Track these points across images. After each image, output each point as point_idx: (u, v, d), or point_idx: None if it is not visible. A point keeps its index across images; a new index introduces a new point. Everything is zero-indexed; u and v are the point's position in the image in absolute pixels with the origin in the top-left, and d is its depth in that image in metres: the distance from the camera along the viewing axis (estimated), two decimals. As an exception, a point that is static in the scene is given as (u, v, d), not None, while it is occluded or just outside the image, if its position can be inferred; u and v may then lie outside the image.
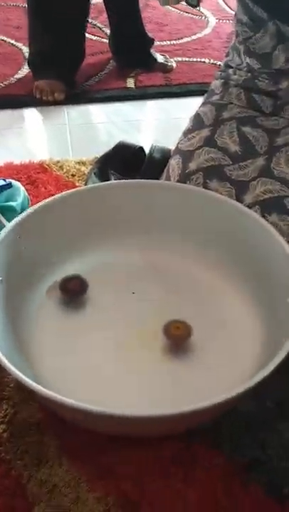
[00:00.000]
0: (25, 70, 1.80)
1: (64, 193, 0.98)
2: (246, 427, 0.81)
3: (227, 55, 1.13)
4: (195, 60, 1.87)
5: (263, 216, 0.92)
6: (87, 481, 0.76)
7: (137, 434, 0.79)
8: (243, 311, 0.92)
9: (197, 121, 1.08)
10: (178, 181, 1.01)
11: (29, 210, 0.93)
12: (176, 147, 1.07)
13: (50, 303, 0.92)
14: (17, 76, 1.78)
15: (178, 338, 0.87)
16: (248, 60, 1.02)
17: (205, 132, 1.04)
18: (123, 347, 0.87)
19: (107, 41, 1.89)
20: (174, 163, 1.04)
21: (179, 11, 2.20)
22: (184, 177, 1.00)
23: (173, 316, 0.90)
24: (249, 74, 1.05)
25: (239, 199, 0.95)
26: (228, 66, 1.11)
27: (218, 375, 0.83)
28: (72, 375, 0.83)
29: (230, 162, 0.99)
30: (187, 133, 1.07)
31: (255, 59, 1.00)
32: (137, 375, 0.84)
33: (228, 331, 0.90)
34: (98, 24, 2.06)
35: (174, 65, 1.82)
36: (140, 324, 0.90)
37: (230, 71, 1.09)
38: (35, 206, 0.93)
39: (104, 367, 0.84)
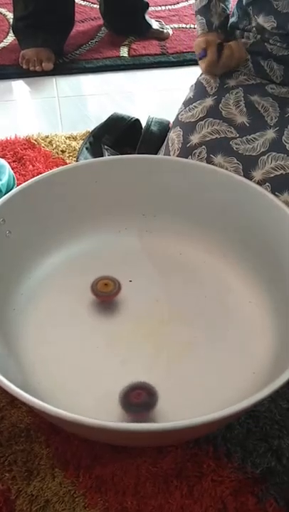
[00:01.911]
0: (10, 38, 1.68)
1: (53, 170, 0.89)
2: (259, 432, 0.73)
3: (232, 16, 1.02)
4: (193, 26, 1.76)
5: (274, 195, 0.83)
6: (84, 495, 0.68)
7: (137, 444, 0.71)
8: (250, 300, 0.84)
9: (199, 90, 0.98)
10: (178, 156, 0.92)
11: (15, 190, 0.85)
12: (176, 118, 0.98)
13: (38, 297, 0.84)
14: (1, 45, 1.66)
15: (106, 295, 0.82)
16: (260, 19, 0.91)
17: (208, 102, 0.95)
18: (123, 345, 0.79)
19: (97, 7, 1.77)
20: (174, 136, 0.94)
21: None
22: (186, 151, 0.91)
23: (175, 308, 0.82)
24: (259, 36, 0.94)
25: (247, 176, 0.87)
26: (234, 28, 1.00)
27: (227, 372, 0.75)
28: (61, 366, 0.76)
29: (237, 135, 0.90)
30: (188, 103, 0.98)
31: (273, 16, 0.90)
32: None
33: (233, 323, 0.82)
34: (88, -12, 1.93)
35: (170, 32, 1.72)
36: (142, 319, 0.82)
37: (237, 33, 0.99)
38: (22, 186, 0.86)
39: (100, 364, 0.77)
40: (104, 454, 0.71)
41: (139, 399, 0.72)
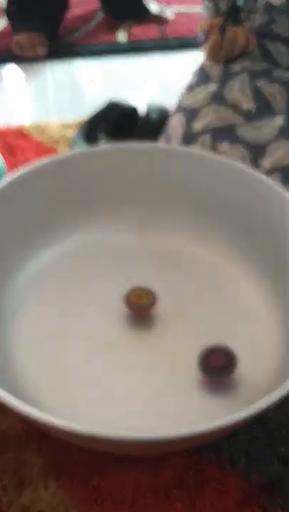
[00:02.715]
0: (3, 23, 1.64)
1: (45, 159, 0.86)
2: (265, 437, 0.70)
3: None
4: (194, 9, 1.71)
5: (285, 185, 0.81)
6: (78, 507, 0.66)
7: (136, 453, 0.68)
8: (253, 295, 0.81)
9: (202, 75, 0.97)
10: (181, 143, 0.90)
11: (4, 182, 0.81)
12: (178, 104, 0.96)
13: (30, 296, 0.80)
14: (-6, 29, 1.62)
15: (140, 308, 0.78)
16: None
17: (212, 87, 0.93)
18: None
19: (94, -11, 1.72)
20: (176, 123, 0.92)
21: None
22: (189, 138, 0.89)
23: (175, 304, 0.79)
24: (266, 17, 0.91)
25: (255, 164, 0.85)
26: (239, 10, 0.96)
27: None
28: (55, 371, 0.73)
29: (243, 121, 0.89)
30: (191, 88, 0.96)
31: None
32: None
33: (235, 319, 0.79)
34: None
35: (170, 15, 1.69)
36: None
37: (243, 15, 0.96)
38: (12, 177, 0.82)
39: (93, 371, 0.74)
40: (100, 463, 0.68)
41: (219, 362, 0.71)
